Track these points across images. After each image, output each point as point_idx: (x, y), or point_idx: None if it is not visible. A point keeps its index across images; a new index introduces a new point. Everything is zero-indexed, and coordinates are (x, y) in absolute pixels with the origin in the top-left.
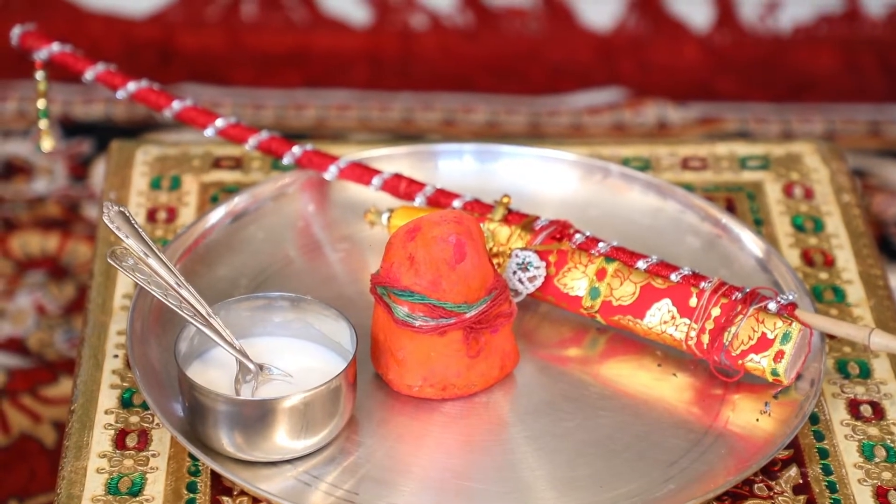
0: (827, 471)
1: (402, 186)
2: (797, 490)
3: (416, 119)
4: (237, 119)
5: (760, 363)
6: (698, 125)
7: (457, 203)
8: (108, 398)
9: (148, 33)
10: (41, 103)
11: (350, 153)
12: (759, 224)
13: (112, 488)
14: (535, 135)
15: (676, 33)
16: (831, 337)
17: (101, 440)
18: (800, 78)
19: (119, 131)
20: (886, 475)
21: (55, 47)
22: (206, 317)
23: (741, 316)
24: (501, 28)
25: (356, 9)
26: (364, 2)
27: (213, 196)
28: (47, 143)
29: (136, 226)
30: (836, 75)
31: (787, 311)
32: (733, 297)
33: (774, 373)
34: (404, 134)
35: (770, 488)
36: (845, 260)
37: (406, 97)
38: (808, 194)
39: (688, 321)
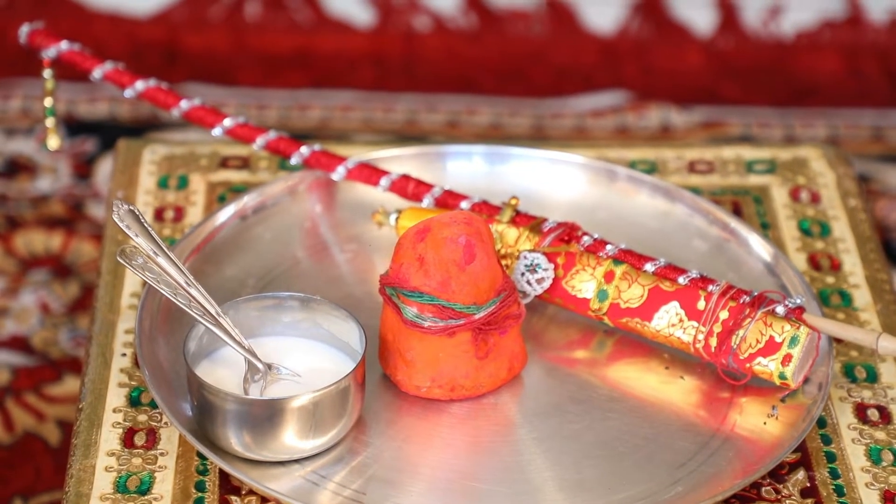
0: (834, 474)
1: (410, 187)
2: (805, 493)
3: (420, 121)
4: (244, 119)
5: (768, 366)
6: (701, 129)
7: (465, 204)
8: (116, 397)
9: (152, 33)
10: (48, 101)
11: (358, 154)
12: (766, 228)
13: (120, 487)
14: (538, 137)
15: (680, 37)
16: (838, 341)
17: (109, 438)
18: (802, 83)
19: (123, 130)
20: (894, 479)
21: (63, 45)
22: (216, 316)
23: (749, 319)
24: (505, 30)
25: (360, 10)
26: (368, 3)
27: (220, 196)
28: (54, 142)
29: (145, 224)
30: (839, 80)
31: (795, 315)
32: (741, 301)
33: (782, 376)
34: (408, 135)
35: (777, 491)
36: (852, 264)
37: (410, 99)
38: (815, 198)
39: (695, 324)
